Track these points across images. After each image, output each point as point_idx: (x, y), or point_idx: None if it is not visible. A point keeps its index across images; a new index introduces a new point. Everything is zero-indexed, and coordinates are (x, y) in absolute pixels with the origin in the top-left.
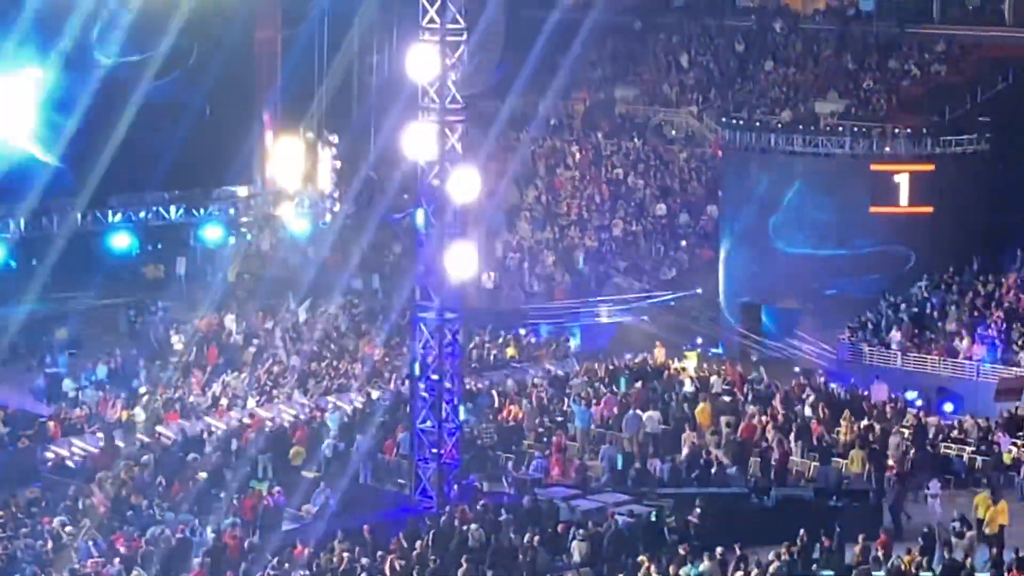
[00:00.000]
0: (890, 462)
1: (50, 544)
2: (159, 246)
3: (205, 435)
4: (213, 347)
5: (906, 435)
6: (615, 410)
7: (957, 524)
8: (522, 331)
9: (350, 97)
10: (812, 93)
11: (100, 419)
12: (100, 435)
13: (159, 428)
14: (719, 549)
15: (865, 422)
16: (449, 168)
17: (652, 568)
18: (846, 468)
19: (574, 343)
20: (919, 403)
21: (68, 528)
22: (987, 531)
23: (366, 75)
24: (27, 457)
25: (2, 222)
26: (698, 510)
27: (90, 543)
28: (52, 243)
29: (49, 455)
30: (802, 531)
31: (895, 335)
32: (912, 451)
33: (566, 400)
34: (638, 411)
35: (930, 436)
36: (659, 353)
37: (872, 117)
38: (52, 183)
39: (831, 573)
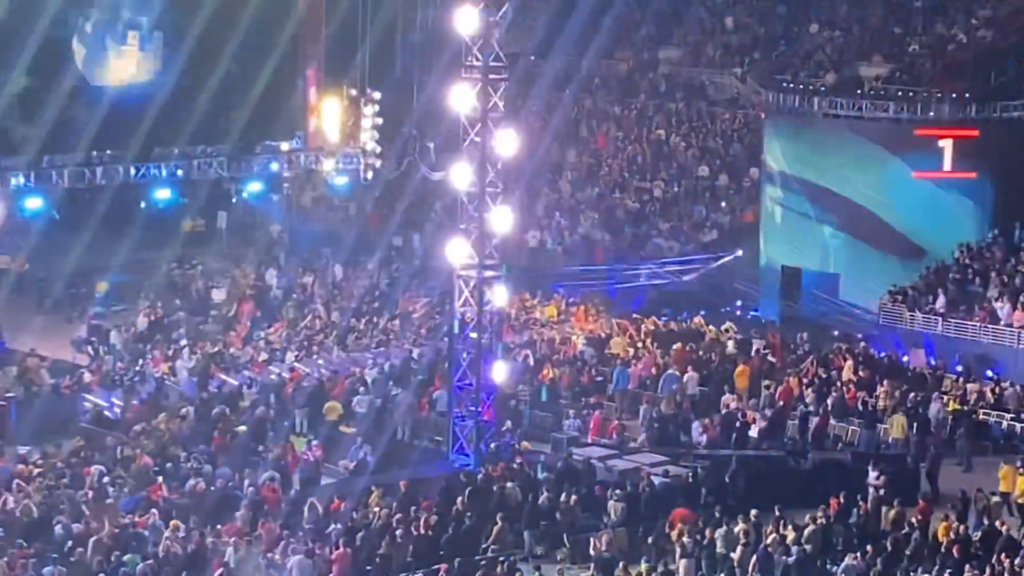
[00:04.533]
0: (931, 428)
1: (90, 494)
2: (201, 200)
3: (245, 389)
4: (245, 301)
5: (945, 401)
6: (653, 371)
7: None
8: (562, 290)
9: (393, 54)
10: (857, 57)
11: (140, 371)
12: (140, 387)
13: (198, 380)
14: (754, 511)
15: (905, 388)
16: (491, 126)
17: (686, 529)
18: (886, 433)
19: (614, 303)
20: (959, 369)
21: (107, 479)
22: (1020, 501)
23: (409, 32)
24: (67, 408)
25: (45, 173)
26: (734, 472)
27: (129, 494)
28: (95, 196)
29: (88, 406)
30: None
31: (936, 301)
32: (951, 417)
33: (605, 360)
34: (677, 372)
35: (970, 402)
36: (698, 320)
37: (917, 82)
38: (97, 136)
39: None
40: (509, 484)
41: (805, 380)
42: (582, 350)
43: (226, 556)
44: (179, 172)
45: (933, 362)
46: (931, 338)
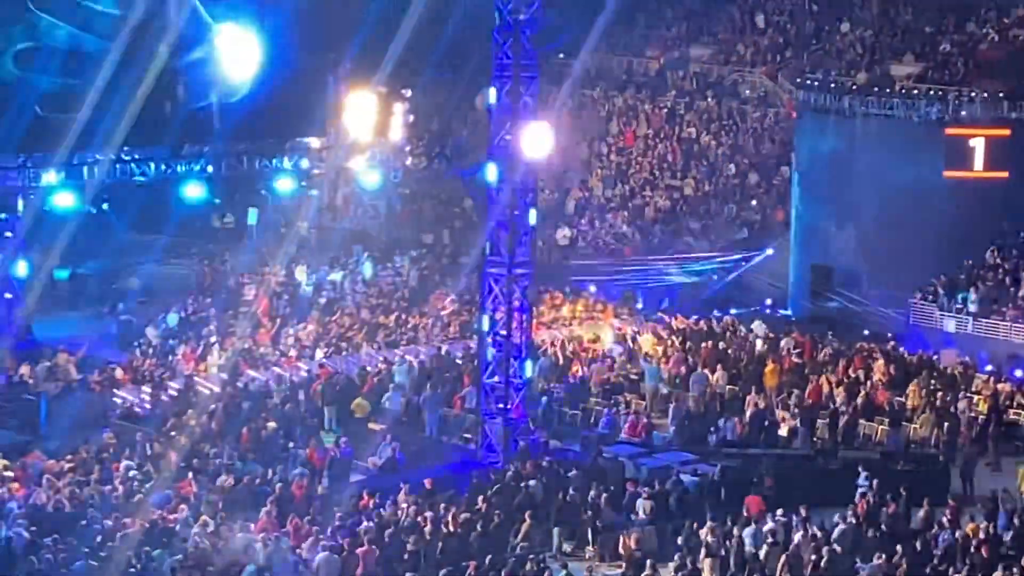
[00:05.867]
0: (961, 427)
1: (120, 490)
2: (231, 197)
3: (274, 385)
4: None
5: (975, 400)
6: (682, 369)
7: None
8: (591, 288)
9: (424, 52)
10: (888, 55)
11: (171, 367)
12: (171, 383)
13: (228, 376)
14: (781, 510)
15: (934, 387)
16: (521, 124)
17: (715, 528)
18: (914, 432)
19: (643, 302)
20: (989, 368)
21: (137, 474)
22: None
23: (440, 29)
24: (97, 403)
25: (76, 169)
26: (763, 471)
27: (158, 489)
28: (127, 192)
29: (118, 401)
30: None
31: (966, 300)
32: (981, 417)
33: (635, 358)
34: (706, 370)
35: (1000, 402)
36: (728, 319)
37: (948, 80)
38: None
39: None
40: (538, 482)
41: (834, 379)
42: (611, 348)
43: (255, 552)
44: (210, 169)
45: (964, 360)
46: (960, 338)
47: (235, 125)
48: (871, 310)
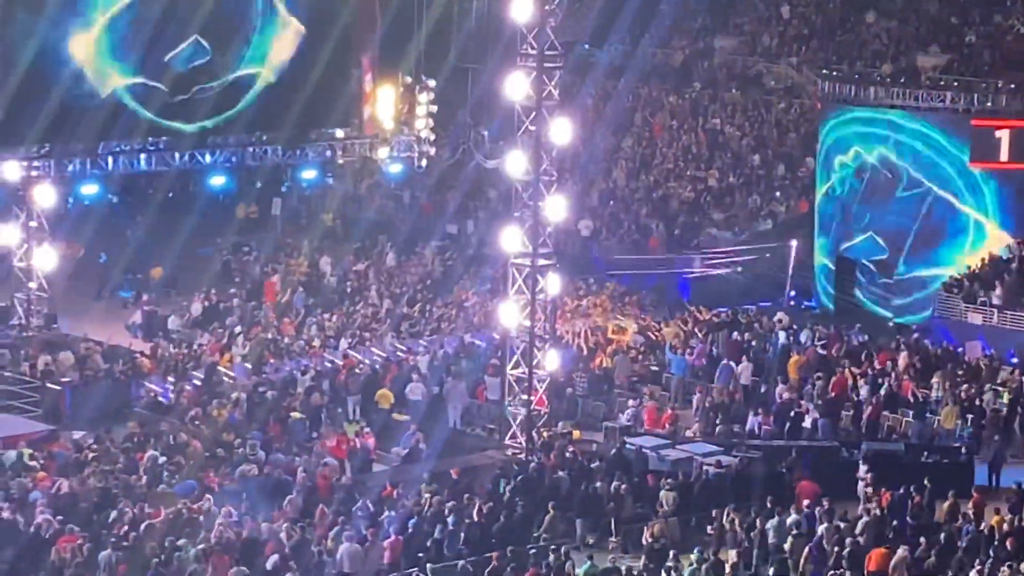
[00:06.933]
0: (985, 420)
1: (144, 479)
2: (256, 187)
3: (298, 375)
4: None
5: (1001, 392)
6: (706, 360)
7: None
8: (615, 279)
9: (448, 42)
10: (914, 46)
11: (196, 357)
12: (195, 373)
13: (252, 366)
14: (806, 502)
15: (959, 379)
16: (546, 115)
17: (738, 520)
18: (939, 424)
19: (667, 293)
20: (1015, 360)
21: (161, 464)
22: None
23: (464, 20)
24: (121, 393)
25: (101, 160)
26: (787, 463)
27: (183, 479)
28: (152, 182)
29: (143, 391)
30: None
31: (992, 292)
32: (1007, 409)
33: (659, 349)
34: (731, 362)
35: None
36: (753, 310)
37: (974, 72)
38: (152, 123)
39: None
40: (561, 473)
41: (858, 371)
42: (635, 339)
43: (279, 542)
44: (234, 159)
45: (988, 353)
46: (985, 330)
47: (260, 115)
48: (896, 301)
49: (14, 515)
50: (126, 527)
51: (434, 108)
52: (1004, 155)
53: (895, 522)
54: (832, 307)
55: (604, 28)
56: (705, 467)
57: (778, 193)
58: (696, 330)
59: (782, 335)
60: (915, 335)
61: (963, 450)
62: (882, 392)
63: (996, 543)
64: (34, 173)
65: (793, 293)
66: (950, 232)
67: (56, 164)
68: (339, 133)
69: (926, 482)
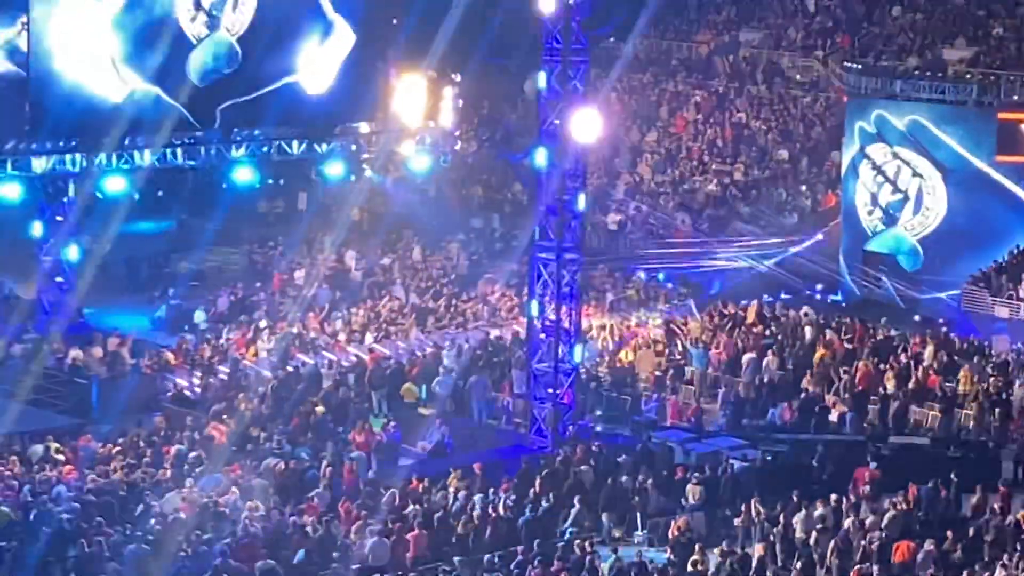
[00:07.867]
0: (1013, 413)
1: (170, 473)
2: (281, 181)
3: (324, 370)
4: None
5: None
6: (732, 354)
7: None
8: (641, 274)
9: (474, 36)
10: (940, 39)
11: (221, 351)
12: (221, 367)
13: (278, 361)
14: (834, 496)
15: (987, 372)
16: (571, 108)
17: (764, 514)
18: (965, 418)
19: (693, 286)
20: None
21: (188, 457)
22: None
23: (490, 13)
24: (148, 387)
25: (127, 154)
26: (814, 457)
27: (209, 473)
28: (177, 176)
29: (169, 385)
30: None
31: (1020, 286)
32: None
33: (683, 343)
34: (756, 355)
35: None
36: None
37: (1001, 65)
38: (179, 117)
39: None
40: (587, 467)
41: (885, 365)
42: (659, 332)
43: (304, 536)
44: (263, 150)
45: (1016, 346)
46: (1013, 324)
47: (285, 110)
48: (922, 295)
49: (41, 509)
50: (152, 521)
51: (460, 102)
52: None
53: (921, 516)
54: (858, 299)
55: (630, 22)
56: (731, 461)
57: (804, 187)
58: (722, 324)
59: (808, 329)
60: (942, 328)
61: (989, 444)
62: (909, 386)
63: (1023, 537)
64: (60, 168)
65: (820, 287)
66: (977, 228)
67: (84, 158)
68: (364, 128)
69: (952, 476)
